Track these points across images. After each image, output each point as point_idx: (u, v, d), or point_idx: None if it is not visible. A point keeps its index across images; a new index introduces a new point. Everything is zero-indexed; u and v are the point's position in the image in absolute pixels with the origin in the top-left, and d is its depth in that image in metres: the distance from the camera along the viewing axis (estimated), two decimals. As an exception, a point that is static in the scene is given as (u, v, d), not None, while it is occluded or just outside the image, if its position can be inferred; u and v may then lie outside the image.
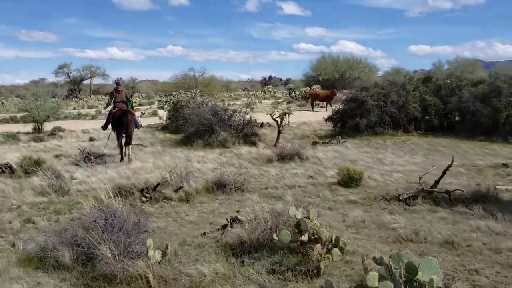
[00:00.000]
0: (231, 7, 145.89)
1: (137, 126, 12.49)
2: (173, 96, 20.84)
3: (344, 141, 12.93)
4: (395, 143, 12.97)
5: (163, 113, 19.85)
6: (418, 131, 14.56)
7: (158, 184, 7.58)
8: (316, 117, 22.00)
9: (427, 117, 14.73)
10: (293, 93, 39.06)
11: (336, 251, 4.61)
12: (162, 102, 24.84)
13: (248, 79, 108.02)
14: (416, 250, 5.06)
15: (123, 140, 11.59)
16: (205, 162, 10.87)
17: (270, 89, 62.62)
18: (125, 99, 12.07)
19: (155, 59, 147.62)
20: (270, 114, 13.55)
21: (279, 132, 13.51)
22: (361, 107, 14.39)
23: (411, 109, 14.29)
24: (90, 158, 10.99)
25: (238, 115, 14.47)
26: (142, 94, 66.81)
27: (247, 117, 14.38)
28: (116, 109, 11.71)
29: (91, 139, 15.73)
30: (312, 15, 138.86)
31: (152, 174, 9.39)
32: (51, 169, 9.71)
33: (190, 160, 11.17)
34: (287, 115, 13.38)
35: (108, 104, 12.79)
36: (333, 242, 4.76)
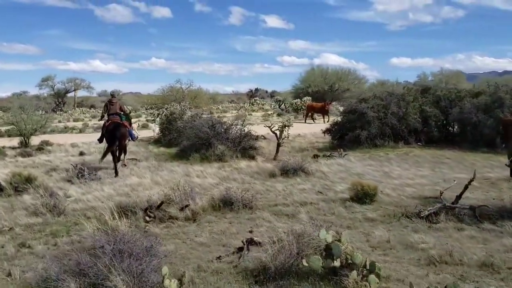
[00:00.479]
0: (214, 20, 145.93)
1: (132, 138, 12.43)
2: (165, 109, 20.35)
3: (346, 154, 12.58)
4: (398, 155, 12.66)
5: (155, 126, 19.36)
6: (418, 143, 14.30)
7: (162, 203, 7.08)
8: (310, 129, 21.72)
9: (426, 128, 14.48)
10: (283, 105, 38.84)
11: (373, 277, 4.18)
12: (154, 114, 24.24)
13: (233, 91, 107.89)
14: (453, 273, 4.67)
15: (117, 153, 11.44)
16: (205, 177, 10.40)
17: (258, 101, 62.53)
18: (119, 112, 11.86)
19: (138, 72, 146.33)
20: (269, 127, 13.15)
21: (278, 145, 13.11)
22: (361, 118, 14.09)
23: (412, 120, 14.04)
24: (84, 174, 10.44)
25: (235, 128, 14.04)
26: (128, 107, 65.96)
27: (245, 130, 13.95)
28: (110, 122, 11.51)
29: (82, 154, 15.11)
30: (295, 28, 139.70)
31: (151, 191, 8.91)
32: (42, 186, 9.18)
33: (189, 175, 10.68)
34: (286, 127, 12.99)
35: (102, 116, 12.56)
36: (368, 267, 4.33)
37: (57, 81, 67.88)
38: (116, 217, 6.06)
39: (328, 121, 27.21)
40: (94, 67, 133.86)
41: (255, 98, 73.25)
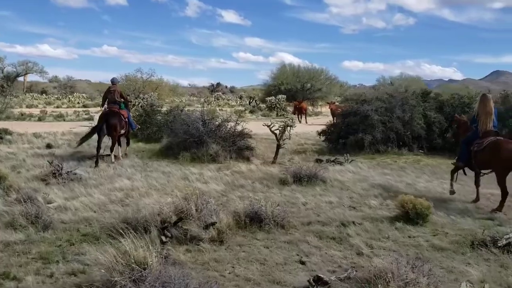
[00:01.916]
0: (170, 11, 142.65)
1: (132, 127, 11.94)
2: (142, 99, 18.62)
3: (352, 160, 11.49)
4: (409, 163, 11.69)
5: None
6: (420, 151, 13.42)
7: (180, 219, 5.65)
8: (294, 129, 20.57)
9: (429, 136, 13.63)
10: (254, 102, 37.61)
11: None
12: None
13: (189, 84, 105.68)
14: None
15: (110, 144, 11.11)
16: (206, 182, 9.00)
17: (223, 97, 61.08)
18: (119, 100, 11.40)
19: (88, 59, 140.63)
20: (268, 126, 11.86)
21: (278, 147, 11.85)
22: (364, 121, 13.07)
23: (416, 126, 13.15)
24: (61, 172, 8.78)
25: (227, 125, 12.66)
26: (83, 94, 62.58)
27: (239, 127, 12.60)
28: (107, 110, 11.23)
29: (49, 146, 13.28)
30: (251, 25, 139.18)
31: (150, 198, 7.46)
32: (14, 188, 7.55)
33: (187, 178, 9.25)
34: (289, 127, 11.75)
35: (102, 105, 12.21)
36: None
37: (7, 63, 63.04)
38: (129, 239, 4.61)
39: (306, 122, 26.35)
40: (42, 51, 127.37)
41: (218, 93, 71.69)
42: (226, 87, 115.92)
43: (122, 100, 11.61)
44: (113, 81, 11.95)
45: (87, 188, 8.02)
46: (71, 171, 8.91)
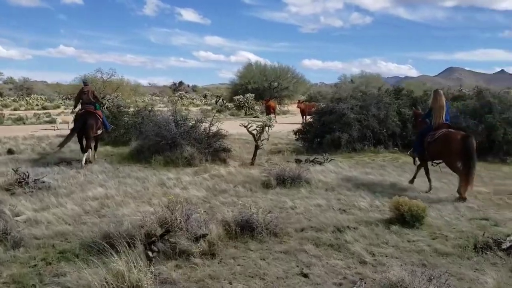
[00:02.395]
0: (128, 10, 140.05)
1: (106, 128, 11.82)
2: (108, 100, 17.76)
3: (331, 159, 11.25)
4: (387, 161, 11.57)
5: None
6: (395, 148, 13.37)
7: (168, 231, 5.17)
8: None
9: (404, 133, 13.58)
10: (221, 101, 37.09)
11: None
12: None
13: (149, 84, 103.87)
14: None
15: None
16: (185, 187, 8.51)
17: (188, 96, 60.21)
18: (93, 100, 11.25)
19: (44, 60, 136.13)
20: (245, 126, 11.45)
21: (256, 148, 11.46)
22: (340, 120, 12.86)
23: (391, 123, 13.06)
24: (27, 181, 8.11)
25: (201, 126, 12.17)
26: (42, 96, 60.17)
27: (213, 128, 12.13)
28: (82, 110, 11.07)
29: (11, 152, 12.42)
30: (211, 23, 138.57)
31: (127, 208, 6.94)
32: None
33: (164, 184, 8.73)
34: (268, 127, 11.37)
35: (75, 107, 12.10)
36: None
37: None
38: (117, 257, 4.12)
39: (275, 121, 26.05)
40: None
41: (181, 92, 70.66)
42: (188, 86, 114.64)
43: (94, 101, 11.36)
44: (85, 81, 12.04)
45: (58, 197, 7.39)
46: (38, 179, 8.25)
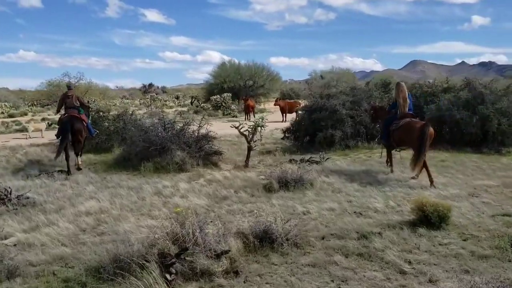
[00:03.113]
0: (89, 12, 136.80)
1: (90, 133, 11.52)
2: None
3: (328, 158, 10.88)
4: (384, 157, 11.28)
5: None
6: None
7: (185, 249, 4.64)
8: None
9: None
10: (196, 101, 36.36)
11: None
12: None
13: (117, 86, 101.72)
14: None
15: (72, 151, 10.67)
16: (185, 196, 7.95)
17: (160, 97, 59.09)
18: (76, 104, 10.90)
19: (3, 66, 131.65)
20: (236, 127, 10.95)
21: (249, 150, 10.98)
22: (332, 117, 12.51)
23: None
24: (10, 197, 7.41)
25: (188, 128, 11.59)
26: (5, 103, 57.87)
27: (201, 130, 11.58)
28: (66, 115, 10.77)
29: (-16, 165, 11.54)
30: (176, 23, 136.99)
31: (127, 222, 6.36)
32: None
33: (161, 193, 8.15)
34: (260, 127, 10.89)
35: (58, 111, 12.05)
36: None
37: None
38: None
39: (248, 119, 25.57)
40: None
41: (152, 94, 69.35)
42: (157, 87, 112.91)
43: (78, 105, 10.98)
44: (69, 86, 11.67)
45: (47, 214, 6.73)
46: (22, 195, 7.56)
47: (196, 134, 11.37)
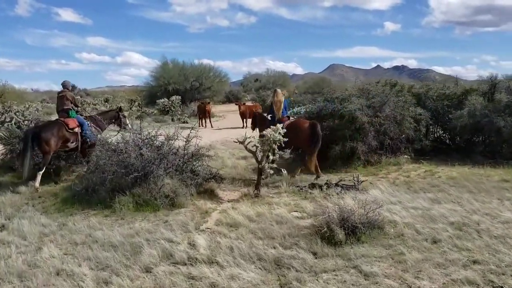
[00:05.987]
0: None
1: (89, 139, 9.60)
2: (16, 113, 13.01)
3: (362, 181, 8.33)
4: (424, 177, 8.97)
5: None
6: (405, 156, 10.82)
7: None
8: (209, 135, 16.77)
9: (417, 137, 11.07)
10: (137, 105, 32.55)
11: None
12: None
13: (32, 89, 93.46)
14: None
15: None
16: (214, 262, 5.00)
17: (88, 101, 54.11)
18: (67, 106, 9.63)
19: None
20: (241, 142, 8.07)
21: (260, 172, 8.18)
22: (350, 126, 9.98)
23: (409, 126, 10.49)
24: None
25: (172, 144, 8.55)
26: None
27: (191, 146, 8.60)
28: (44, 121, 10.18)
29: None
30: (93, 23, 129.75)
31: None
32: None
33: (171, 256, 5.13)
34: (277, 142, 8.06)
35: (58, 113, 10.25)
36: None
37: None
38: None
39: (212, 126, 22.67)
40: None
41: (78, 97, 63.67)
42: (80, 89, 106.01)
43: (70, 107, 9.71)
44: (63, 84, 9.97)
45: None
46: None
47: (185, 152, 8.37)
